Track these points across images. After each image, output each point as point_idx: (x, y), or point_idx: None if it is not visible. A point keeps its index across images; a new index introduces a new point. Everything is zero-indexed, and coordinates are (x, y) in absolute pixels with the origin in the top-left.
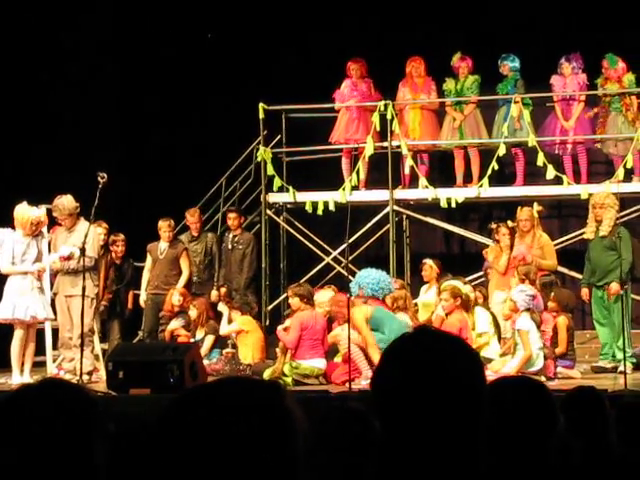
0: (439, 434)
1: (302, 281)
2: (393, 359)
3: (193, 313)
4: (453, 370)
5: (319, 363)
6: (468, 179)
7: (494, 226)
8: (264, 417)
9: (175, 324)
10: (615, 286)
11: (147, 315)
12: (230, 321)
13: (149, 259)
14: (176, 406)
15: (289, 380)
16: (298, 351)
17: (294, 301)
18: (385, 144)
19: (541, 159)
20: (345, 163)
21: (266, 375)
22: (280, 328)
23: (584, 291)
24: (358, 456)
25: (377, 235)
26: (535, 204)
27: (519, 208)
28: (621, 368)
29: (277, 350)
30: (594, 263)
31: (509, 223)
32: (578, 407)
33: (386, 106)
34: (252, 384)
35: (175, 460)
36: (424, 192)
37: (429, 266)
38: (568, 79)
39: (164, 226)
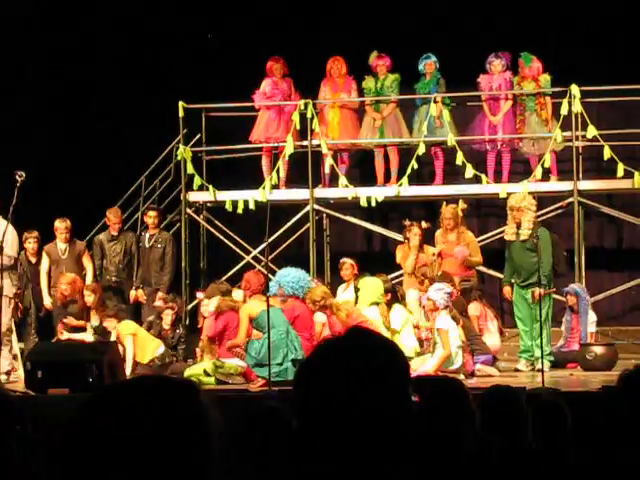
0: (360, 434)
1: (222, 280)
2: (319, 361)
3: (90, 299)
4: (379, 372)
5: (241, 361)
6: (389, 178)
7: (407, 223)
8: (176, 416)
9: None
10: (537, 292)
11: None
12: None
13: (46, 260)
14: (86, 406)
15: (212, 380)
16: (221, 349)
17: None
18: (305, 143)
19: (460, 158)
20: (265, 162)
21: (186, 375)
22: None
23: (507, 290)
24: (273, 455)
25: (297, 234)
26: (460, 201)
27: (444, 205)
28: (539, 366)
29: (197, 350)
30: (518, 265)
31: (423, 224)
32: (495, 405)
33: (306, 105)
34: (165, 383)
35: (86, 461)
36: (344, 191)
37: (349, 265)
38: (496, 76)
39: (61, 227)
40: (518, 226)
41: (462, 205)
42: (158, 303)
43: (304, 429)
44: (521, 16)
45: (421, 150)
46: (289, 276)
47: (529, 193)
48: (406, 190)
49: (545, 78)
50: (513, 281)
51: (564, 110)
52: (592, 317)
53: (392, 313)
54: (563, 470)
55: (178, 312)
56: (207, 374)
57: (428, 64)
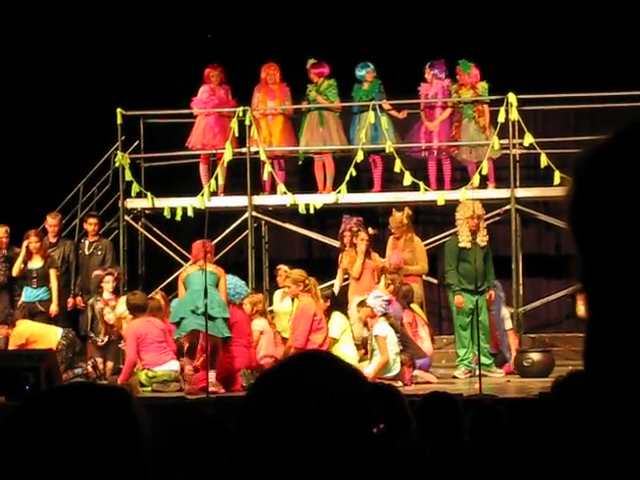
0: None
1: (159, 288)
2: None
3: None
4: (336, 399)
5: (173, 365)
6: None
7: (355, 229)
8: (107, 423)
9: None
10: (491, 293)
11: None
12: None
13: None
14: (17, 413)
15: (148, 390)
16: (148, 359)
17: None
18: (243, 150)
19: (398, 165)
20: (203, 169)
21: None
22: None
23: (461, 298)
24: (211, 460)
25: (236, 241)
26: (406, 208)
27: (393, 212)
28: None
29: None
30: (478, 271)
31: (370, 230)
32: (432, 412)
33: (244, 112)
34: (97, 390)
35: (15, 469)
36: (282, 198)
37: (284, 271)
38: (433, 85)
39: (1, 232)
40: (472, 233)
41: (407, 212)
42: (97, 272)
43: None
44: (461, 24)
45: (359, 157)
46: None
47: (467, 200)
48: (344, 197)
49: (483, 86)
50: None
51: (501, 118)
52: (506, 313)
53: (331, 322)
54: (499, 476)
55: (118, 278)
56: (142, 385)
57: (369, 73)
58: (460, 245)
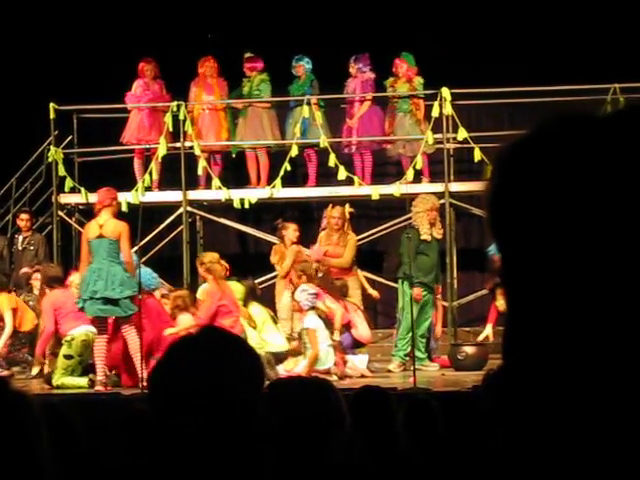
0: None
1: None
2: (175, 357)
3: None
4: (232, 370)
5: (90, 327)
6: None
7: (279, 222)
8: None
9: None
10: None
11: None
12: None
13: None
14: None
15: (85, 382)
16: (65, 328)
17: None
18: (178, 145)
19: (333, 160)
20: (137, 164)
21: (59, 383)
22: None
23: (419, 290)
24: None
25: (171, 236)
26: (347, 205)
27: (330, 206)
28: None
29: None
30: (435, 264)
31: (347, 208)
32: (364, 406)
33: (179, 107)
34: None
35: None
36: (217, 193)
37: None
38: (356, 79)
39: None
40: (431, 227)
41: (348, 208)
42: (25, 270)
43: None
44: (395, 18)
45: (294, 152)
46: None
47: (402, 194)
48: (279, 192)
49: (418, 80)
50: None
51: (435, 112)
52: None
53: (250, 312)
54: (433, 469)
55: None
56: (69, 357)
57: (298, 66)
58: (422, 238)
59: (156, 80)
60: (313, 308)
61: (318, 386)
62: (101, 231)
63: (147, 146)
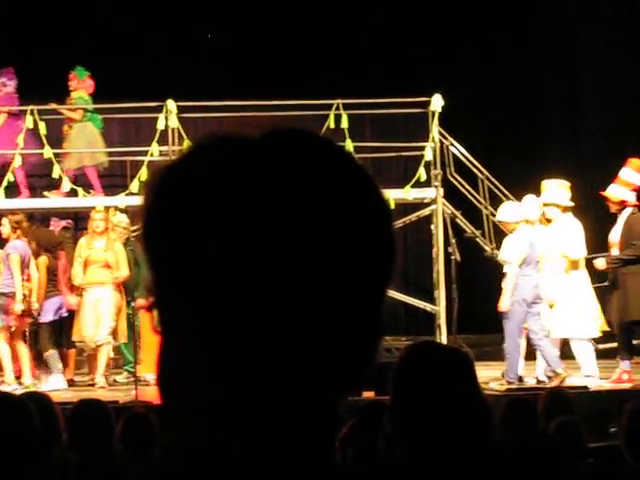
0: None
1: None
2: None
3: None
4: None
5: None
6: None
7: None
8: None
9: None
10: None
11: None
12: None
13: None
14: None
15: None
16: None
17: None
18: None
19: (57, 171)
20: None
21: None
22: None
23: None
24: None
25: None
26: (111, 209)
27: (94, 210)
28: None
29: None
30: None
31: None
32: (81, 420)
33: None
34: None
35: None
36: None
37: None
38: None
39: None
40: None
41: (112, 213)
42: None
43: None
44: (117, 33)
45: (17, 163)
46: None
47: (115, 208)
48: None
49: (82, 96)
50: None
51: (161, 125)
52: None
53: None
54: None
55: None
56: None
57: None
58: None
59: None
60: None
61: (40, 402)
62: None
63: None
